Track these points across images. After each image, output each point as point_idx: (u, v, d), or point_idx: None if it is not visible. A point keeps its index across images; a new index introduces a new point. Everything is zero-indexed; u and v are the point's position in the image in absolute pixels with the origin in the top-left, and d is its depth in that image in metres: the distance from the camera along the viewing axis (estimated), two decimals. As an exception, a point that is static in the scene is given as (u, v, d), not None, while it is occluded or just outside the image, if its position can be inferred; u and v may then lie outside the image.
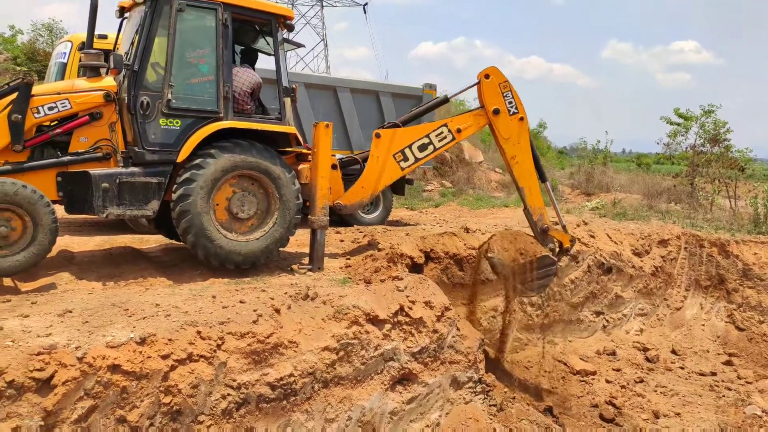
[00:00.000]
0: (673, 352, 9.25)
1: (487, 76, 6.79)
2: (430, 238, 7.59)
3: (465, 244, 7.79)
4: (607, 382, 8.08)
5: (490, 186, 17.60)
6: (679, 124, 16.44)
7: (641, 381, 8.22)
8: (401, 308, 5.66)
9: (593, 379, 8.11)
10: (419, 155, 6.76)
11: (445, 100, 7.25)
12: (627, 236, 10.07)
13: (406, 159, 6.72)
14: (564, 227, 7.34)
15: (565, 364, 8.30)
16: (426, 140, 6.75)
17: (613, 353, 8.89)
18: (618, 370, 8.47)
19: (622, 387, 7.99)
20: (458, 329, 6.11)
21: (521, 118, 6.86)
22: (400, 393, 5.55)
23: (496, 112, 6.79)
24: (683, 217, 12.43)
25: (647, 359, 8.93)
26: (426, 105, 7.38)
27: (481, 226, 9.15)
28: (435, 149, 6.81)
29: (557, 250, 7.15)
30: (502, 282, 7.16)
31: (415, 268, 7.05)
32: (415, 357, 5.65)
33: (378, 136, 6.68)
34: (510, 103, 6.81)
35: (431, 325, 5.82)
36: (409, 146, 6.71)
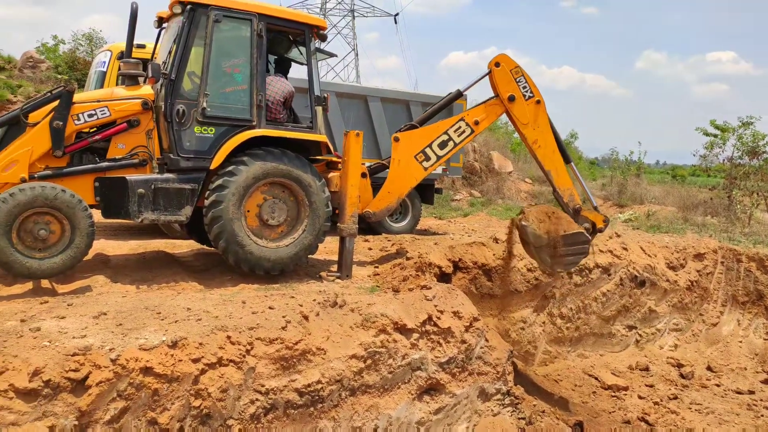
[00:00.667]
0: (709, 368, 8.98)
1: (497, 65, 6.68)
2: (458, 248, 7.54)
3: (494, 255, 7.72)
4: (640, 398, 7.88)
5: (519, 196, 17.44)
6: (715, 136, 16.04)
7: (675, 398, 8.00)
8: (429, 318, 5.63)
9: (625, 394, 7.92)
10: (440, 153, 6.72)
11: (459, 95, 7.09)
12: (661, 249, 9.84)
13: (427, 158, 6.69)
14: (596, 207, 7.16)
15: (596, 378, 8.13)
16: (445, 137, 6.70)
17: (646, 369, 8.67)
18: (651, 386, 8.25)
19: (655, 403, 7.77)
20: (487, 340, 6.05)
21: (538, 101, 6.75)
22: (427, 403, 5.50)
23: (512, 98, 6.69)
24: (720, 231, 12.10)
25: (682, 376, 8.68)
26: (440, 102, 7.22)
27: (510, 237, 9.04)
28: (455, 145, 6.77)
29: (591, 230, 6.98)
30: (529, 252, 6.93)
31: (444, 277, 7.01)
32: (442, 367, 5.60)
33: (396, 139, 6.67)
34: (524, 87, 6.70)
35: (459, 335, 5.77)
36: (429, 145, 6.67)
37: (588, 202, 7.26)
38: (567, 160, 7.04)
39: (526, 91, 6.72)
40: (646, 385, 8.25)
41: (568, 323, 8.40)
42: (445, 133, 6.71)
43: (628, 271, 8.99)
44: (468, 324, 5.88)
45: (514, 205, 15.84)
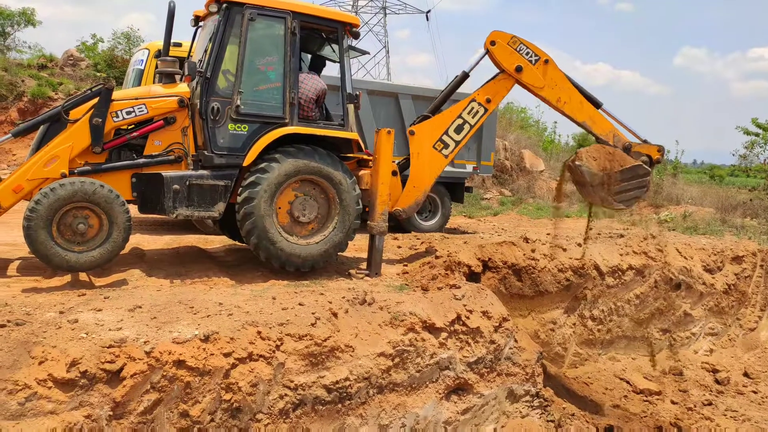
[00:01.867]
0: (746, 375, 8.73)
1: (493, 43, 6.58)
2: (488, 247, 7.48)
3: (524, 254, 7.64)
4: (673, 403, 7.71)
5: (551, 195, 17.19)
6: (757, 135, 15.54)
7: (710, 404, 7.80)
8: (458, 317, 5.60)
9: (658, 399, 7.76)
10: (458, 138, 6.68)
11: (465, 77, 6.91)
12: (698, 251, 9.59)
13: (446, 146, 6.67)
14: (645, 140, 6.95)
15: (627, 382, 7.98)
16: (460, 121, 6.65)
17: (680, 373, 8.48)
18: (685, 391, 8.06)
19: (689, 409, 7.60)
20: (516, 341, 5.99)
21: (546, 61, 6.62)
22: (455, 403, 5.49)
23: (519, 69, 6.58)
24: (760, 233, 11.73)
25: (717, 381, 8.46)
26: (448, 87, 7.04)
27: (541, 236, 8.94)
28: (471, 127, 6.70)
29: (648, 162, 6.81)
30: (587, 193, 6.74)
31: (473, 276, 6.97)
32: (471, 367, 5.58)
33: (412, 133, 6.64)
34: (527, 54, 6.59)
35: (488, 335, 5.73)
36: (446, 132, 6.64)
37: (636, 137, 7.04)
38: (597, 105, 6.87)
39: (531, 57, 6.59)
40: (680, 390, 8.07)
41: (599, 325, 8.26)
42: (459, 116, 6.65)
43: (663, 273, 8.79)
44: (497, 324, 5.84)
45: (545, 204, 15.64)
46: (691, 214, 14.07)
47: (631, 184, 6.52)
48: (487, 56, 6.68)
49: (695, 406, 7.66)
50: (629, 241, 8.91)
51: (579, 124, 6.90)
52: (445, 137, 6.65)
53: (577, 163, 6.53)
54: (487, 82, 6.84)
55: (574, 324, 8.00)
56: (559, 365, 7.84)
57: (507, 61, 6.62)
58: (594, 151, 6.60)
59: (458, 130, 6.65)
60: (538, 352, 6.21)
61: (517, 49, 6.58)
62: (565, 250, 8.01)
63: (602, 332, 8.30)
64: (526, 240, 8.13)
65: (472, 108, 6.69)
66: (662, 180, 17.26)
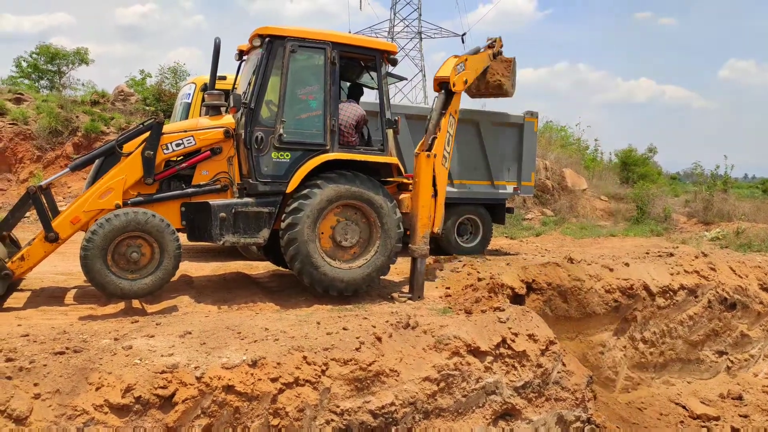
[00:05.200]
0: (813, 400, 8.25)
1: (454, 84, 7.19)
2: (531, 269, 7.38)
3: (569, 275, 7.50)
4: (733, 429, 7.36)
5: (594, 214, 16.83)
6: (812, 146, 14.89)
7: (774, 431, 7.40)
8: (503, 340, 5.53)
9: (716, 425, 7.42)
10: (449, 150, 7.20)
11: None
12: (753, 269, 9.21)
13: (446, 159, 7.17)
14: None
15: (683, 407, 7.67)
16: (448, 135, 7.14)
17: (740, 397, 8.09)
18: (745, 416, 7.69)
19: (751, 436, 7.23)
20: (564, 364, 5.86)
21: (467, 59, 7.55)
22: (503, 429, 5.38)
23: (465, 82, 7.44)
24: (820, 249, 11.17)
25: (781, 407, 8.02)
26: (434, 107, 7.35)
27: (586, 256, 8.76)
28: (451, 137, 7.26)
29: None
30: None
31: (517, 299, 6.88)
32: (518, 392, 5.47)
33: (435, 155, 6.76)
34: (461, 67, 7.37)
35: (535, 359, 5.63)
36: (444, 148, 7.07)
37: None
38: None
39: (462, 68, 7.40)
40: (740, 416, 7.70)
41: (651, 348, 7.99)
42: (447, 131, 7.15)
43: (717, 292, 8.47)
44: (544, 347, 5.73)
45: (588, 224, 15.33)
46: (745, 230, 13.53)
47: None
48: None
49: (758, 433, 7.29)
50: (680, 260, 8.64)
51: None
52: (444, 152, 7.11)
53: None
54: (447, 97, 7.31)
55: (625, 347, 7.77)
56: (610, 390, 7.60)
57: (460, 85, 7.36)
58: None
59: (448, 143, 7.19)
60: (587, 376, 6.05)
61: (459, 70, 7.32)
62: (611, 270, 7.83)
63: (655, 355, 8.02)
64: (571, 260, 7.98)
65: (450, 122, 7.22)
66: (712, 196, 16.68)
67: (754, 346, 8.82)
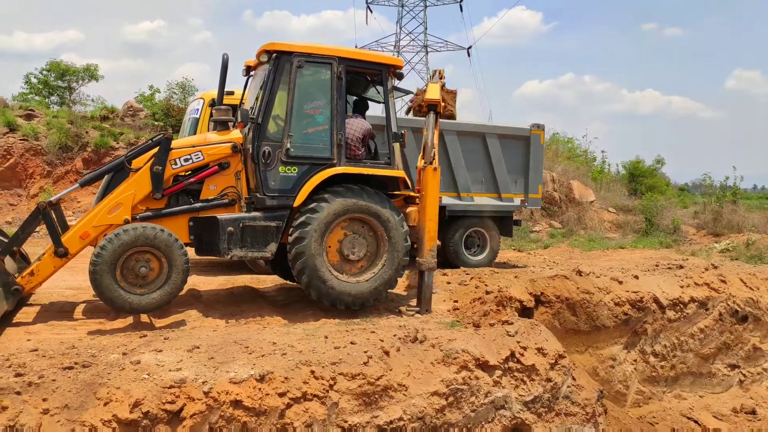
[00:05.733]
0: (828, 414, 8.11)
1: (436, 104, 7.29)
2: (540, 281, 7.34)
3: (578, 288, 7.45)
4: (747, 444, 7.24)
5: (603, 226, 16.74)
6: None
7: (789, 446, 7.28)
8: (512, 354, 5.49)
9: (730, 440, 7.30)
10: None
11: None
12: (764, 281, 9.10)
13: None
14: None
15: (695, 421, 7.56)
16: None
17: (753, 412, 7.96)
18: (759, 431, 7.56)
19: (766, 452, 7.11)
20: (574, 378, 5.80)
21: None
22: (512, 444, 5.33)
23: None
24: (833, 260, 11.05)
25: (795, 421, 7.89)
26: (428, 129, 7.30)
27: (594, 269, 8.71)
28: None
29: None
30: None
31: (525, 312, 6.83)
32: (527, 406, 5.42)
33: (435, 169, 6.62)
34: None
35: (544, 373, 5.58)
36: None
37: None
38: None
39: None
40: (754, 430, 7.57)
41: (662, 361, 7.90)
42: (439, 139, 7.45)
43: (728, 305, 8.38)
44: (553, 361, 5.68)
45: (597, 236, 15.26)
46: (755, 242, 13.42)
47: None
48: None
49: (772, 448, 7.17)
50: (689, 272, 8.57)
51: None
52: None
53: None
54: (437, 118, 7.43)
55: (635, 360, 7.68)
56: (621, 404, 7.51)
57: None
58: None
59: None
60: (598, 391, 5.99)
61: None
62: (620, 282, 7.77)
63: (666, 369, 7.93)
64: (580, 273, 7.93)
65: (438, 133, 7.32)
66: (721, 207, 16.57)
67: (767, 359, 8.70)
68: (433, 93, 7.46)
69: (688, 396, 8.00)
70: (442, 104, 8.40)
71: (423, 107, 7.66)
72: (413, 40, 43.02)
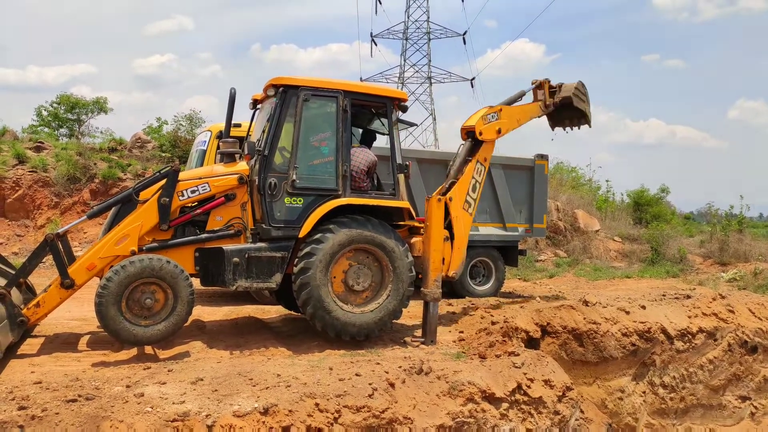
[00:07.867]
0: (843, 448, 7.94)
1: (480, 133, 7.23)
2: (546, 311, 7.29)
3: (585, 318, 7.39)
4: (761, 480, 7.07)
5: (608, 255, 16.67)
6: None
7: (804, 481, 7.10)
8: (519, 386, 5.43)
9: (743, 475, 7.13)
10: (474, 196, 7.22)
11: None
12: (773, 311, 9.01)
13: (470, 205, 7.15)
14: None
15: (707, 456, 7.40)
16: (473, 180, 7.20)
17: (766, 446, 7.80)
18: (773, 466, 7.40)
19: (781, 487, 6.94)
20: (582, 411, 5.73)
21: (500, 110, 7.54)
22: (520, 479, 5.23)
23: (499, 131, 7.42)
24: (842, 290, 10.94)
25: (810, 455, 7.72)
26: (459, 152, 7.41)
27: (601, 299, 8.65)
28: (479, 183, 7.31)
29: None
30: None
31: (531, 342, 6.77)
32: (535, 440, 5.34)
33: (451, 199, 6.81)
34: (493, 117, 7.41)
35: (552, 405, 5.51)
36: (468, 193, 7.10)
37: None
38: (510, 102, 8.01)
39: (492, 118, 7.43)
40: (768, 465, 7.40)
41: (671, 393, 7.78)
42: (473, 177, 7.19)
43: (737, 335, 8.28)
44: (560, 393, 5.61)
45: (603, 266, 15.18)
46: (762, 271, 13.33)
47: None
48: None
49: (787, 483, 7.00)
50: (697, 302, 8.50)
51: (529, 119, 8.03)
52: (468, 198, 7.12)
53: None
54: (484, 145, 7.37)
55: (644, 392, 7.57)
56: None
57: (490, 135, 7.37)
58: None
59: (473, 189, 7.22)
60: (606, 424, 5.91)
61: (490, 119, 7.35)
62: (628, 312, 7.71)
63: (675, 400, 7.80)
64: (586, 303, 7.88)
65: (478, 169, 7.28)
66: (727, 236, 16.50)
67: (778, 390, 8.55)
68: (472, 119, 7.35)
69: (698, 429, 7.85)
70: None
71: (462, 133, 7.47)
72: (417, 71, 43.63)
